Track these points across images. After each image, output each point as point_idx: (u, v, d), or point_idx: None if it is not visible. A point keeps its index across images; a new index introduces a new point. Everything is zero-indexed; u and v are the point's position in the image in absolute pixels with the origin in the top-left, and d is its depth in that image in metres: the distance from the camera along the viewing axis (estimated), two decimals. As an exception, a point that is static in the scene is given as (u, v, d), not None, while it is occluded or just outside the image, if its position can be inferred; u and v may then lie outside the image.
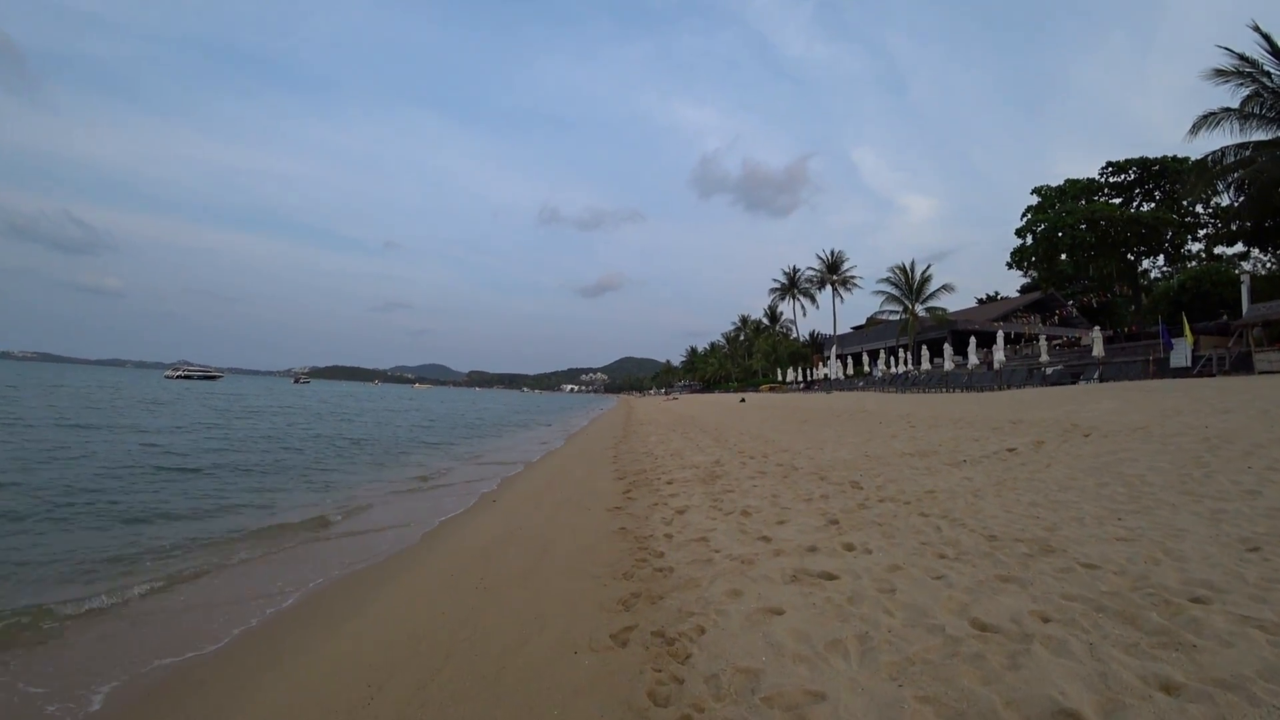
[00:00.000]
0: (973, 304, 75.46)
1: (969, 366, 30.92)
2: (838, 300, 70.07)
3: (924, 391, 29.83)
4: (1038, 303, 58.28)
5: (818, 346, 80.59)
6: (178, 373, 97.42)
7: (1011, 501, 6.12)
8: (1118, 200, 32.90)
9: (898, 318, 52.75)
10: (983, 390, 25.78)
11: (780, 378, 68.50)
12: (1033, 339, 44.69)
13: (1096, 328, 26.42)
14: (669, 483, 8.65)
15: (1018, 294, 70.74)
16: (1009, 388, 25.42)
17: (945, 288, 49.59)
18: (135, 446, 13.23)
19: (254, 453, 13.79)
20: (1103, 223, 29.59)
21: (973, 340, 30.37)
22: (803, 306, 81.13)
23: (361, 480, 10.84)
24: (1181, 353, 24.46)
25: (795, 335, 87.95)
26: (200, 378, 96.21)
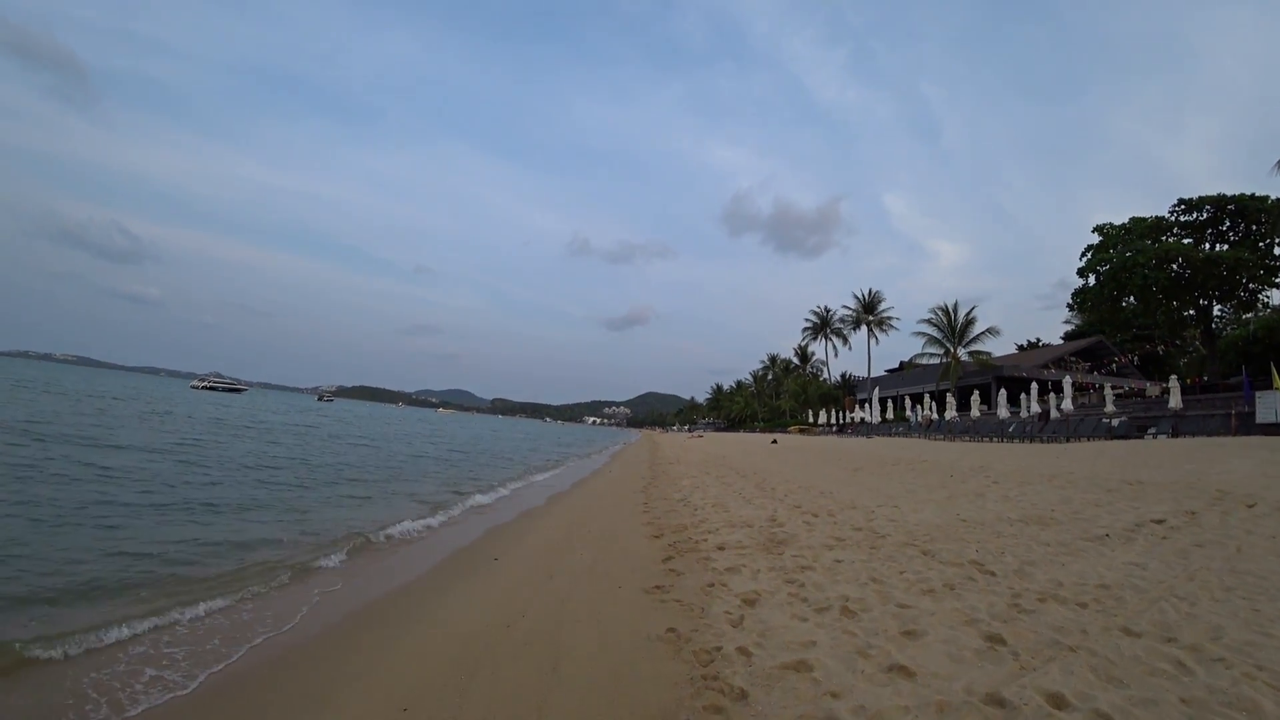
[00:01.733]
0: (1012, 350, 72.61)
1: (1029, 413, 28.51)
2: (873, 342, 67.61)
3: (977, 440, 27.44)
4: (1085, 350, 55.42)
5: (849, 389, 77.87)
6: (204, 383, 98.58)
7: (1244, 610, 4.13)
8: (1187, 241, 30.45)
9: (937, 361, 50.29)
10: (1047, 441, 23.38)
11: (810, 419, 65.88)
12: (1086, 388, 42.02)
13: (1173, 376, 23.94)
14: (720, 548, 6.71)
15: (1061, 341, 67.78)
16: (1077, 439, 23.00)
17: (990, 331, 47.20)
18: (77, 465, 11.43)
19: (213, 482, 11.89)
20: (1176, 263, 27.12)
21: (1033, 387, 27.96)
22: (834, 347, 78.66)
23: (331, 527, 8.69)
24: (1271, 406, 22.01)
25: (826, 376, 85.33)
26: (225, 390, 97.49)
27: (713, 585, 5.19)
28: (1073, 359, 54.55)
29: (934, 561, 5.79)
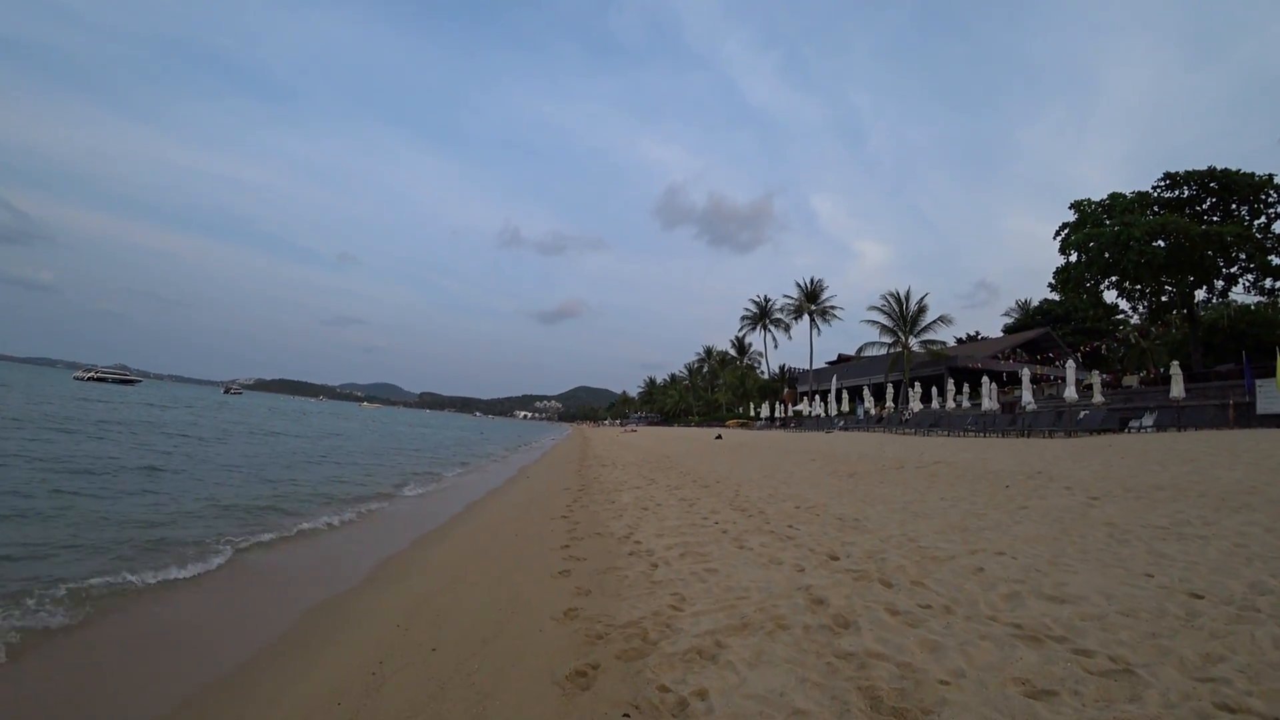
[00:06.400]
0: (951, 342, 71.80)
1: (1023, 405, 25.70)
2: (814, 333, 64.98)
3: (955, 435, 24.35)
4: (1030, 343, 54.37)
5: (789, 381, 75.49)
6: (89, 374, 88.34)
7: None
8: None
9: (885, 352, 47.86)
10: (1042, 434, 20.31)
11: (750, 412, 62.75)
12: (1045, 379, 40.15)
13: (1175, 363, 21.33)
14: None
15: (1002, 334, 67.17)
16: (1055, 434, 20.00)
17: (942, 319, 45.05)
18: None
19: None
20: (1172, 239, 24.43)
21: (1025, 374, 24.93)
22: (774, 338, 75.85)
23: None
24: (1272, 396, 19.84)
25: (764, 369, 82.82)
26: (115, 381, 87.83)
27: None
28: (1018, 351, 53.37)
29: None
